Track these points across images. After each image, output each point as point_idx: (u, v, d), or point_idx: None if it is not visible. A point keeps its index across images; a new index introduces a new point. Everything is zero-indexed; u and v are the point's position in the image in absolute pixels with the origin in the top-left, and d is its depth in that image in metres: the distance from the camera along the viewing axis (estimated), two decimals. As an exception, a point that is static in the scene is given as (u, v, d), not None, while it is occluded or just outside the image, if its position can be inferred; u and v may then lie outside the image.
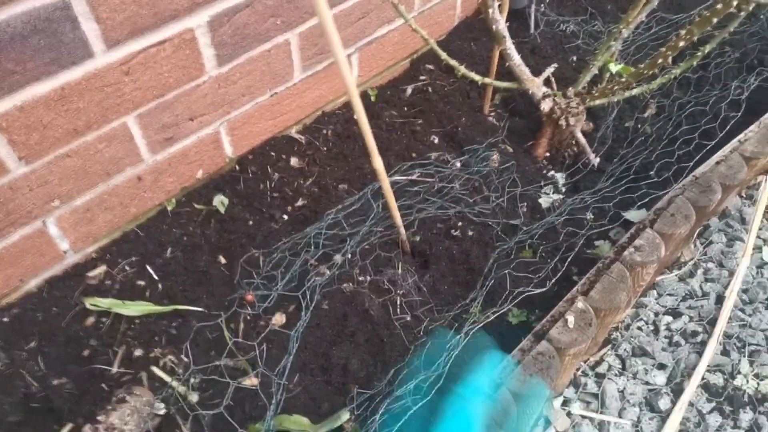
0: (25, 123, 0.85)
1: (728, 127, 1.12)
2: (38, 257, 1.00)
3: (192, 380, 0.95)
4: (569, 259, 0.96)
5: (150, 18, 0.89)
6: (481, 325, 0.86)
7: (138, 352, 0.98)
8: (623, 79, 1.10)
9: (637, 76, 1.07)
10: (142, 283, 1.05)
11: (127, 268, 1.07)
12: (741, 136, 1.10)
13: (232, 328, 1.00)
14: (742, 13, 1.04)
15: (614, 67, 1.11)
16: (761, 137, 1.07)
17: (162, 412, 0.83)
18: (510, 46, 1.04)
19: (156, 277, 1.06)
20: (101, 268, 1.07)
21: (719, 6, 0.90)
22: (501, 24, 0.99)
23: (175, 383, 0.94)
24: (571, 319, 0.77)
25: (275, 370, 0.91)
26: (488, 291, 1.00)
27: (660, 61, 1.02)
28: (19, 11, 0.76)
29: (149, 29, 0.90)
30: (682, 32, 0.97)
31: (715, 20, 0.92)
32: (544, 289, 0.90)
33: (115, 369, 0.95)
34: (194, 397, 0.93)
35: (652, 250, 0.87)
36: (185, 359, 0.97)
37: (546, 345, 0.75)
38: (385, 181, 0.84)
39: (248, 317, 1.01)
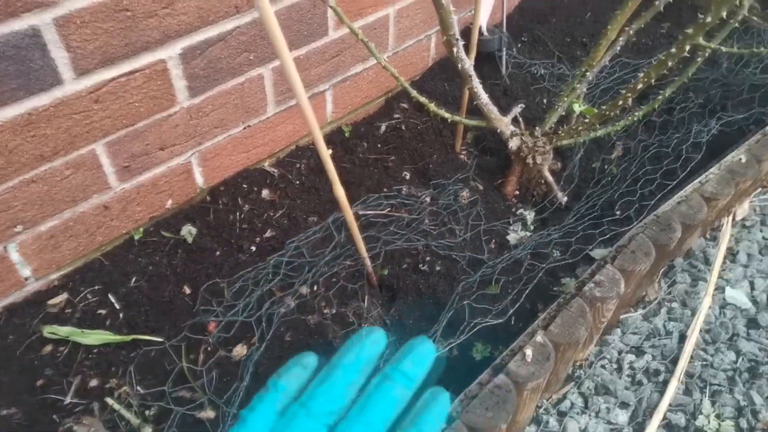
0: (-11, 147, 0.86)
1: (689, 168, 1.15)
2: (-2, 283, 0.99)
3: (147, 412, 0.93)
4: (528, 294, 0.96)
5: (121, 48, 0.91)
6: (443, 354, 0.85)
7: (93, 383, 0.96)
8: (587, 120, 1.13)
9: (600, 117, 1.10)
10: (103, 312, 1.04)
11: (89, 296, 1.06)
12: (702, 177, 1.13)
13: (191, 359, 0.99)
14: (699, 59, 1.08)
15: (578, 108, 1.15)
16: (720, 179, 1.10)
17: (112, 443, 0.81)
18: (477, 84, 1.07)
19: (118, 307, 1.04)
20: (63, 296, 1.05)
21: (674, 50, 0.94)
22: (467, 63, 1.02)
23: (128, 415, 0.91)
24: (529, 352, 0.77)
25: (231, 401, 0.90)
26: (451, 324, 1.00)
27: (621, 102, 1.05)
28: (-13, 37, 0.77)
29: (120, 59, 0.92)
30: (641, 75, 1.00)
31: (670, 63, 0.95)
32: (503, 320, 0.90)
33: (68, 399, 0.93)
34: (148, 430, 0.91)
35: (612, 286, 0.88)
36: (141, 390, 0.95)
37: (503, 378, 0.75)
38: (347, 211, 0.84)
39: (209, 348, 1.00)
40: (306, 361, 0.35)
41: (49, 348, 0.99)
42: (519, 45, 1.65)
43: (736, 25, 0.98)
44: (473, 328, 0.84)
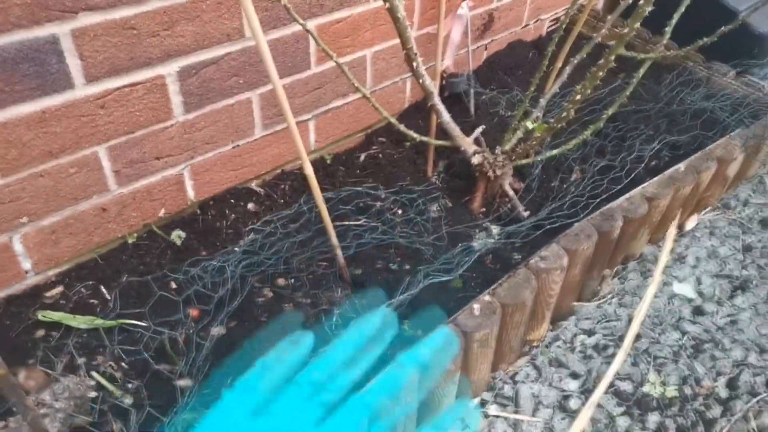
0: (6, 138, 0.98)
1: (633, 176, 1.28)
2: (0, 272, 1.08)
3: (129, 385, 1.00)
4: (485, 282, 1.05)
5: (127, 61, 1.06)
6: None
7: (81, 360, 1.03)
8: (539, 135, 1.26)
9: (550, 130, 1.24)
10: (94, 301, 1.12)
11: (83, 290, 1.14)
12: (645, 184, 1.25)
13: (174, 340, 1.06)
14: (634, 80, 1.24)
15: (530, 125, 1.29)
16: (660, 182, 1.22)
17: (94, 394, 0.87)
18: (438, 101, 1.21)
19: (108, 297, 1.13)
20: (58, 289, 1.14)
21: (602, 62, 1.09)
22: (428, 80, 1.17)
23: (111, 387, 0.98)
24: (476, 306, 0.86)
25: (206, 372, 0.97)
26: (417, 312, 1.08)
27: (565, 114, 1.19)
28: (14, 40, 0.92)
29: (125, 71, 1.07)
30: (578, 87, 1.15)
31: (601, 74, 1.10)
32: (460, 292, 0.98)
33: (56, 372, 1.00)
34: (129, 400, 0.97)
35: (556, 259, 0.97)
36: (124, 366, 1.02)
37: (452, 326, 0.83)
38: (315, 188, 0.95)
39: (190, 330, 1.07)
40: (298, 337, 0.32)
41: (41, 332, 1.07)
42: (487, 90, 1.82)
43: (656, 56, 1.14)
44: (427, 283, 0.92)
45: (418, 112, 1.75)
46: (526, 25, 1.97)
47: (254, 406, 0.29)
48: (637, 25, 1.03)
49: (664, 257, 1.27)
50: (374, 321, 0.32)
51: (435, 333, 0.33)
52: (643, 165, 1.39)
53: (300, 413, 0.28)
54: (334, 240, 1.08)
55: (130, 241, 1.23)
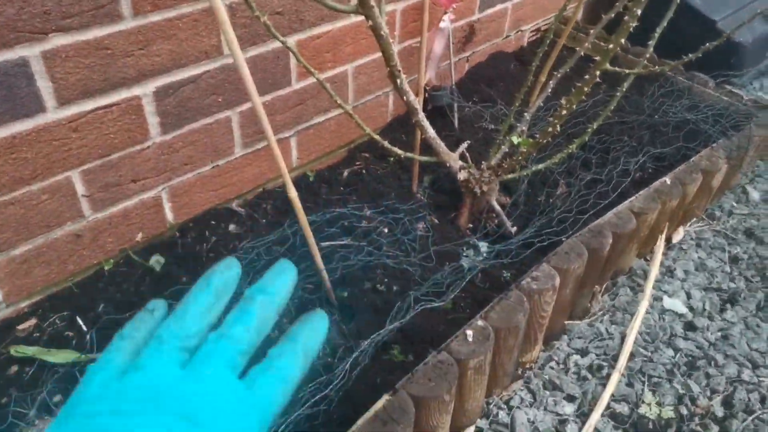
0: (-27, 166, 0.94)
1: (621, 192, 1.27)
2: (-31, 305, 1.03)
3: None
4: (475, 304, 1.03)
5: (100, 82, 1.02)
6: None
7: (57, 398, 0.98)
8: (524, 150, 1.25)
9: (536, 145, 1.22)
10: (70, 333, 1.07)
11: (57, 321, 1.09)
12: (632, 198, 1.24)
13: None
14: (618, 94, 1.23)
15: (516, 140, 1.27)
16: (647, 196, 1.21)
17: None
18: (422, 117, 1.19)
19: (85, 329, 1.08)
20: (31, 321, 1.09)
21: (587, 77, 1.08)
22: (411, 96, 1.14)
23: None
24: (470, 332, 0.83)
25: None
26: (406, 335, 1.05)
27: (551, 129, 1.18)
28: (-20, 63, 0.88)
29: (99, 92, 1.03)
30: (564, 102, 1.13)
31: (587, 89, 1.09)
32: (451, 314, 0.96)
33: (32, 413, 0.95)
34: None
35: (548, 280, 0.95)
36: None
37: (446, 355, 0.80)
38: (300, 212, 0.92)
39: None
40: (153, 306, 0.34)
41: (14, 368, 1.02)
42: (470, 103, 1.81)
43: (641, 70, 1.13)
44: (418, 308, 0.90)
45: (402, 126, 1.73)
46: (507, 36, 1.97)
47: (119, 369, 0.30)
48: (622, 40, 1.02)
49: (654, 273, 1.27)
50: (220, 268, 0.34)
51: (274, 266, 0.35)
52: (629, 179, 1.38)
53: (165, 362, 0.29)
54: (320, 263, 1.05)
55: (106, 268, 1.19)
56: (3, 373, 1.01)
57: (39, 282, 1.11)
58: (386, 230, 1.35)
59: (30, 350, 1.02)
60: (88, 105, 1.02)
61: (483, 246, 1.37)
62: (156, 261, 1.20)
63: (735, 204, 1.56)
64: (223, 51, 1.17)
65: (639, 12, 0.98)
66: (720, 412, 0.98)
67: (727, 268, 1.33)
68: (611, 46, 1.02)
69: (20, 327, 1.08)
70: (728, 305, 1.22)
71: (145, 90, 1.09)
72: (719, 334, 1.14)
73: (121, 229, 1.19)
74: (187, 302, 0.32)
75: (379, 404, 0.76)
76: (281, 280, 0.34)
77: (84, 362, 1.02)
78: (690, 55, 1.02)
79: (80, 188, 1.09)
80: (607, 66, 1.05)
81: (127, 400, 0.28)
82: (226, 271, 0.34)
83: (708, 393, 1.00)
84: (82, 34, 0.96)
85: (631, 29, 1.01)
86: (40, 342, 1.06)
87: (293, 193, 0.94)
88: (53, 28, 0.93)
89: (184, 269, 1.20)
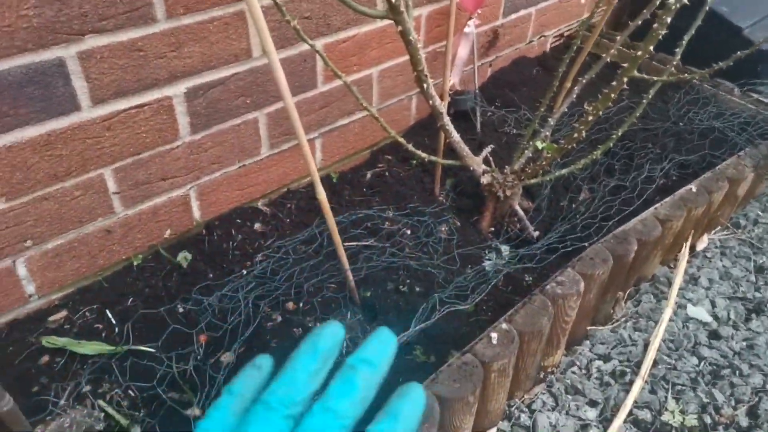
0: (11, 162, 0.96)
1: (646, 200, 1.26)
2: (3, 297, 1.06)
3: (137, 414, 0.97)
4: (498, 309, 1.03)
5: (133, 83, 1.05)
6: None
7: (87, 388, 1.00)
8: (549, 155, 1.25)
9: (560, 150, 1.22)
10: (100, 326, 1.10)
11: (87, 314, 1.12)
12: (657, 206, 1.23)
13: (182, 367, 1.04)
14: (644, 101, 1.23)
15: (540, 145, 1.27)
16: (673, 204, 1.20)
17: (101, 426, 0.85)
18: (448, 121, 1.20)
19: (114, 322, 1.11)
20: (62, 313, 1.12)
21: (614, 83, 1.08)
22: (437, 100, 1.15)
23: (118, 416, 0.95)
24: (494, 335, 0.84)
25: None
26: (429, 336, 1.06)
27: (576, 135, 1.18)
28: (20, 63, 0.91)
29: (132, 92, 1.05)
30: (590, 108, 1.13)
31: (614, 96, 1.09)
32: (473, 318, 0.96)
33: (61, 402, 0.97)
34: (137, 429, 0.94)
35: (572, 285, 0.95)
36: (132, 394, 0.99)
37: (470, 357, 0.81)
38: (328, 214, 0.94)
39: (199, 357, 1.05)
40: (260, 362, 0.34)
41: (46, 358, 1.05)
42: (493, 107, 1.81)
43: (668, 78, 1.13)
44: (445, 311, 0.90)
45: (425, 130, 1.73)
46: (530, 42, 1.97)
47: (231, 428, 0.30)
48: (651, 48, 1.02)
49: (678, 280, 1.26)
50: (326, 332, 0.34)
51: (374, 333, 0.35)
52: (654, 186, 1.38)
53: (268, 430, 0.30)
54: (345, 264, 1.06)
55: (135, 263, 1.21)
56: (35, 363, 1.03)
57: (70, 275, 1.13)
58: (409, 232, 1.35)
59: (61, 341, 1.05)
60: (121, 104, 1.05)
61: (505, 249, 1.37)
62: (183, 257, 1.22)
63: (760, 213, 1.54)
64: (252, 54, 1.19)
65: (669, 20, 0.98)
66: (744, 422, 0.97)
67: (753, 278, 1.32)
68: (639, 53, 1.02)
69: (51, 318, 1.10)
70: (753, 315, 1.21)
71: (176, 91, 1.11)
72: (744, 343, 1.13)
73: (150, 226, 1.21)
74: (294, 366, 0.32)
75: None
76: (383, 350, 0.34)
77: (113, 354, 1.04)
78: (721, 63, 1.02)
79: (112, 185, 1.11)
80: (635, 73, 1.05)
81: None
82: (332, 337, 0.34)
83: (732, 402, 0.99)
84: (117, 35, 0.99)
85: (660, 37, 1.01)
86: (71, 333, 1.08)
87: (322, 195, 0.95)
88: (89, 30, 0.95)
89: (210, 266, 1.22)
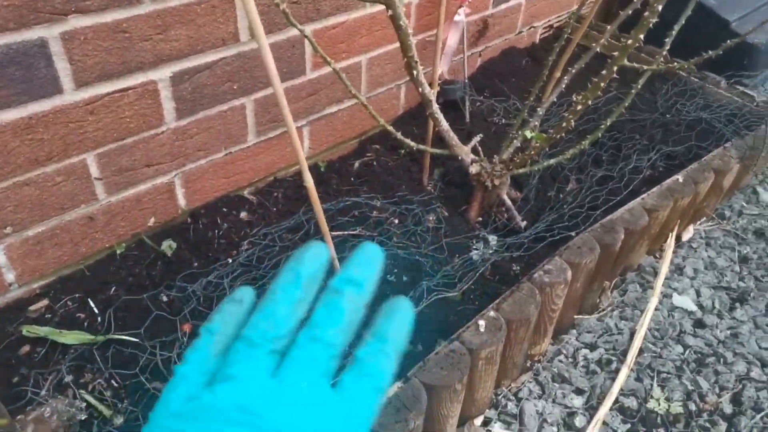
0: (-10, 146, 0.94)
1: (633, 190, 1.27)
2: (-18, 285, 1.04)
3: (120, 404, 0.96)
4: (485, 297, 1.03)
5: (118, 66, 1.02)
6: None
7: (69, 378, 0.98)
8: (537, 144, 1.25)
9: (549, 140, 1.22)
10: (81, 315, 1.08)
11: (69, 303, 1.10)
12: (644, 195, 1.24)
13: (165, 356, 1.02)
14: (633, 91, 1.23)
15: (529, 134, 1.27)
16: (659, 194, 1.21)
17: (83, 417, 0.83)
18: (436, 109, 1.19)
19: (96, 311, 1.09)
20: (43, 302, 1.09)
21: (604, 72, 1.07)
22: (427, 88, 1.14)
23: (101, 407, 0.94)
24: (482, 322, 0.83)
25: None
26: (416, 325, 1.05)
27: (565, 125, 1.18)
28: (1, 42, 0.88)
29: (116, 76, 1.03)
30: (579, 98, 1.13)
31: (603, 85, 1.09)
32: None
33: (42, 392, 0.96)
34: (119, 420, 0.93)
35: (560, 273, 0.95)
36: (115, 384, 0.98)
37: (458, 344, 0.81)
38: (316, 201, 0.93)
39: (183, 345, 1.04)
40: (240, 295, 0.32)
41: (26, 348, 1.03)
42: (482, 97, 1.81)
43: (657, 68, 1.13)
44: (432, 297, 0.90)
45: (413, 119, 1.72)
46: (519, 32, 1.97)
47: (207, 376, 0.28)
48: (641, 36, 1.02)
49: (664, 270, 1.27)
50: (308, 256, 0.31)
51: (359, 249, 0.32)
52: (641, 176, 1.38)
53: (256, 370, 0.28)
54: (333, 252, 1.05)
55: (118, 251, 1.19)
56: (15, 352, 1.01)
57: (51, 263, 1.11)
58: (397, 221, 1.35)
59: (42, 330, 1.03)
60: (105, 88, 1.03)
61: (493, 239, 1.37)
62: (168, 246, 1.20)
63: (745, 204, 1.56)
64: (240, 38, 1.17)
65: (660, 8, 0.97)
66: (729, 408, 0.98)
67: (737, 268, 1.33)
68: (630, 41, 1.02)
69: (32, 308, 1.08)
70: (737, 304, 1.22)
71: (162, 75, 1.09)
72: (728, 332, 1.14)
73: (134, 213, 1.19)
74: (275, 296, 0.30)
75: (391, 392, 0.77)
76: (369, 267, 0.31)
77: (95, 343, 1.02)
78: (710, 53, 1.02)
79: (95, 171, 1.09)
80: (625, 62, 1.05)
81: (218, 420, 0.26)
82: (315, 260, 0.31)
83: (717, 390, 1.00)
84: (102, 16, 0.96)
85: (650, 25, 1.00)
86: (52, 323, 1.06)
87: (310, 182, 0.93)
88: (73, 10, 0.93)
89: (195, 254, 1.21)
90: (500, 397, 0.96)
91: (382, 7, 0.97)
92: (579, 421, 0.92)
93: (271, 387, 0.27)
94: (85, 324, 1.06)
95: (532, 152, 1.27)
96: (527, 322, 0.88)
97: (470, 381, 0.85)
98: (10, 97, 0.92)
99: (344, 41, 1.39)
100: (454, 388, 0.76)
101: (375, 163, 1.54)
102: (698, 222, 1.45)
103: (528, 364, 1.03)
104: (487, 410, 0.93)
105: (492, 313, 0.86)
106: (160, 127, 1.14)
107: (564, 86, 1.38)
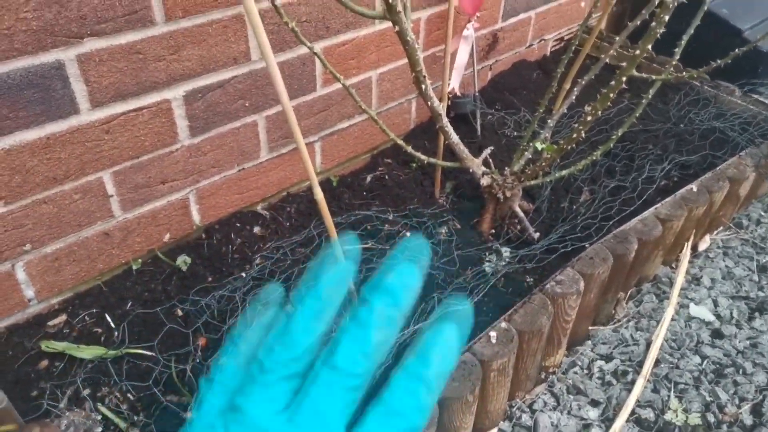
0: (10, 165, 0.97)
1: (645, 197, 1.26)
2: (3, 301, 1.06)
3: (136, 417, 0.97)
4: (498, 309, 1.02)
5: (132, 86, 1.05)
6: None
7: (86, 392, 1.00)
8: (548, 156, 1.25)
9: (560, 151, 1.22)
10: (99, 330, 1.10)
11: (86, 318, 1.12)
12: (658, 205, 1.23)
13: (181, 370, 1.03)
14: (644, 100, 1.22)
15: (540, 146, 1.27)
16: (674, 203, 1.20)
17: (100, 429, 0.84)
18: (446, 123, 1.20)
19: (113, 325, 1.10)
20: (61, 318, 1.11)
21: (613, 83, 1.07)
22: (436, 102, 1.15)
23: (117, 420, 0.95)
24: (493, 334, 0.83)
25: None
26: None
27: (575, 135, 1.18)
28: (19, 66, 0.91)
29: (131, 95, 1.06)
30: (589, 108, 1.13)
31: (612, 95, 1.09)
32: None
33: (61, 405, 0.97)
34: (135, 433, 0.94)
35: (572, 284, 0.95)
36: (131, 398, 0.99)
37: (469, 355, 0.80)
38: (326, 214, 0.94)
39: (197, 359, 1.05)
40: (266, 295, 0.29)
41: (45, 363, 1.04)
42: (493, 110, 1.81)
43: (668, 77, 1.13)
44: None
45: (424, 133, 1.74)
46: (530, 45, 1.97)
47: (229, 395, 0.26)
48: (649, 46, 1.02)
49: (680, 280, 1.25)
50: (331, 261, 0.27)
51: (400, 245, 0.28)
52: (654, 186, 1.37)
53: (267, 403, 0.24)
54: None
55: (134, 267, 1.21)
56: (34, 367, 1.03)
57: (69, 280, 1.13)
58: (408, 234, 1.35)
59: (60, 345, 1.05)
60: (120, 108, 1.05)
61: (506, 251, 1.37)
62: (183, 261, 1.22)
63: (763, 213, 1.54)
64: (251, 57, 1.19)
65: (666, 18, 0.98)
66: (749, 420, 0.96)
67: (756, 277, 1.31)
68: (638, 51, 1.02)
69: (51, 323, 1.10)
70: (757, 314, 1.20)
71: (175, 94, 1.12)
72: (747, 342, 1.12)
73: (149, 230, 1.21)
74: (292, 311, 0.26)
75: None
76: (409, 274, 0.26)
77: (111, 358, 1.04)
78: (719, 61, 1.01)
79: (111, 189, 1.11)
80: (634, 72, 1.05)
81: None
82: (340, 265, 0.27)
83: (736, 401, 0.98)
84: (116, 38, 0.99)
85: (658, 35, 1.01)
86: (70, 338, 1.08)
87: (320, 195, 0.95)
88: (88, 33, 0.96)
89: (209, 269, 1.22)
90: (514, 408, 0.96)
91: (390, 23, 0.98)
92: (594, 433, 0.91)
93: (281, 425, 0.24)
94: (102, 339, 1.08)
95: (544, 164, 1.27)
96: (539, 333, 0.88)
97: (482, 392, 0.84)
98: (28, 118, 0.95)
99: (354, 57, 1.41)
100: (466, 400, 0.76)
101: (387, 177, 1.55)
102: (715, 231, 1.43)
103: (542, 376, 1.02)
104: (501, 422, 0.93)
105: (503, 325, 0.86)
106: (174, 144, 1.16)
107: (574, 98, 1.38)
